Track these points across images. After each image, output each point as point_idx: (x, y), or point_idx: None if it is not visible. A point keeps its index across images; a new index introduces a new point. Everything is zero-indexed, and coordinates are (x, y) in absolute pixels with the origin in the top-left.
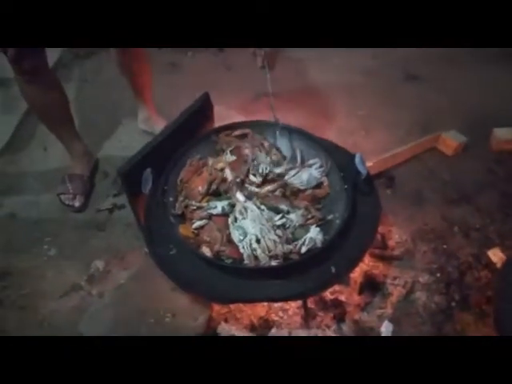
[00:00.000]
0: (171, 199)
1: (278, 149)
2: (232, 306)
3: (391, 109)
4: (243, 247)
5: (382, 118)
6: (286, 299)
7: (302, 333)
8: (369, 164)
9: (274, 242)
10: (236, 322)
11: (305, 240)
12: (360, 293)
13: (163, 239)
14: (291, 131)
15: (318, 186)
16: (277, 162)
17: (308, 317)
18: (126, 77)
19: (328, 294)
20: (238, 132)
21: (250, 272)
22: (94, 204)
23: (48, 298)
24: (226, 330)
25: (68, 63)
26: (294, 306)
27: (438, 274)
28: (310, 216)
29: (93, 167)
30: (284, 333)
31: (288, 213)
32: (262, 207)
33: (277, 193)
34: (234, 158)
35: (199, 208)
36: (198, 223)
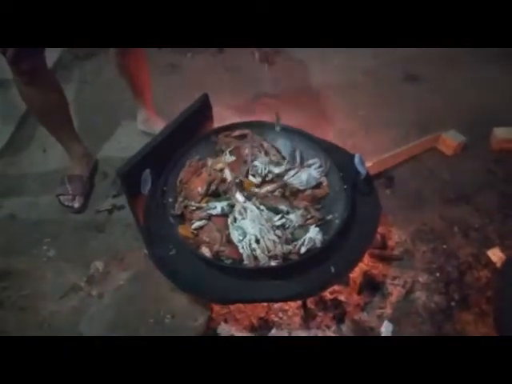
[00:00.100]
0: (170, 200)
1: (277, 149)
2: (232, 307)
3: (391, 109)
4: (243, 247)
5: (382, 118)
6: (285, 299)
7: (302, 333)
8: (368, 164)
9: (274, 242)
10: (236, 322)
11: (304, 240)
12: (359, 293)
13: (163, 240)
14: (290, 131)
15: (318, 186)
16: (276, 162)
17: (308, 317)
18: (125, 78)
19: (328, 294)
20: (237, 132)
21: (249, 272)
22: (94, 205)
23: (48, 299)
24: (226, 330)
25: (67, 64)
26: (293, 306)
27: (438, 274)
28: (309, 216)
29: (92, 168)
30: (284, 333)
31: (287, 213)
32: (262, 207)
33: (276, 193)
34: (233, 158)
35: (198, 208)
36: (197, 224)
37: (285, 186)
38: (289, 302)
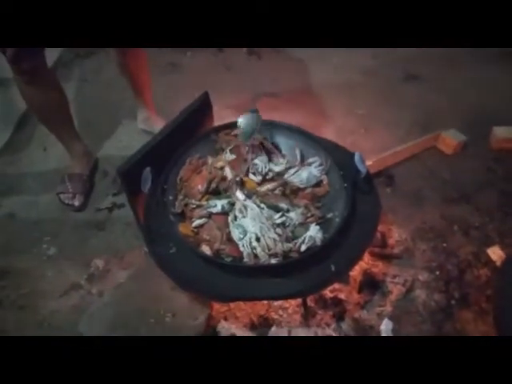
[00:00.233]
0: (171, 198)
1: (277, 147)
2: (232, 305)
3: (391, 108)
4: (243, 245)
5: (382, 117)
6: (285, 297)
7: (302, 331)
8: (368, 163)
9: (274, 240)
10: (236, 320)
11: (304, 238)
12: (360, 291)
13: (163, 238)
14: (291, 130)
15: (318, 184)
16: (276, 160)
17: (308, 315)
18: (125, 77)
19: (328, 293)
20: (237, 131)
21: (249, 270)
22: (94, 203)
23: (48, 298)
24: (226, 328)
25: (68, 63)
26: (293, 304)
27: (438, 273)
28: (309, 214)
29: (92, 167)
30: (284, 331)
31: (288, 211)
32: (262, 206)
33: (276, 191)
34: (233, 156)
35: (199, 207)
36: (197, 222)
37: (285, 184)
38: (289, 300)
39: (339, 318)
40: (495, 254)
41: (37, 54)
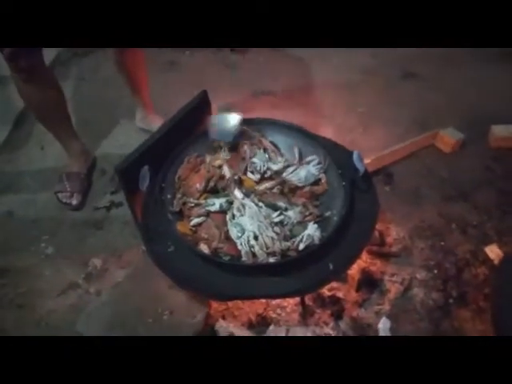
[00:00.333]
0: (169, 196)
1: (275, 146)
2: (230, 303)
3: (389, 106)
4: (241, 244)
5: (380, 116)
6: (283, 296)
7: (300, 330)
8: (367, 161)
9: (272, 238)
10: (234, 319)
11: (303, 237)
12: (358, 289)
13: (161, 237)
14: (289, 128)
15: (316, 182)
16: (275, 159)
17: (306, 314)
18: (123, 75)
19: (326, 291)
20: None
21: (247, 269)
22: (92, 202)
23: (46, 297)
24: (224, 327)
25: (66, 61)
26: (291, 302)
27: (436, 271)
28: (307, 213)
29: (90, 165)
30: (282, 330)
31: (286, 210)
32: (260, 204)
33: (275, 190)
34: (231, 155)
35: (197, 205)
36: (195, 220)
37: (283, 182)
38: (287, 299)
39: (337, 316)
40: (493, 252)
41: (34, 52)
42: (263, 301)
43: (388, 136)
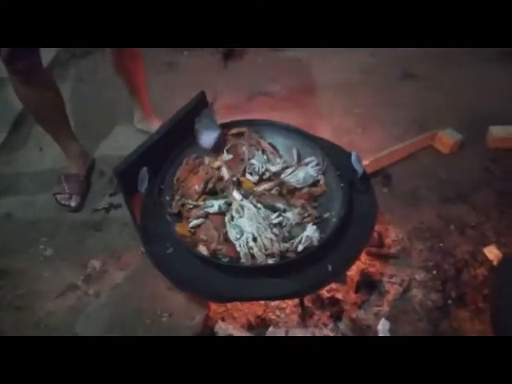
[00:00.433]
0: (168, 198)
1: (274, 147)
2: (229, 305)
3: (388, 107)
4: (240, 246)
5: (379, 117)
6: (282, 298)
7: (299, 331)
8: (365, 162)
9: (271, 240)
10: (233, 320)
11: (301, 238)
12: (357, 291)
13: (160, 238)
14: (288, 130)
15: (315, 184)
16: (273, 160)
17: (305, 315)
18: (121, 76)
19: (325, 293)
20: (234, 130)
21: (246, 270)
22: (91, 204)
23: (44, 298)
24: (223, 328)
25: (64, 62)
26: (290, 304)
27: (435, 272)
28: (306, 214)
29: (89, 167)
30: (281, 331)
31: (284, 211)
32: (259, 206)
33: (273, 191)
34: (230, 156)
35: (196, 207)
36: (194, 222)
37: (282, 184)
38: (286, 300)
39: (336, 318)
40: (492, 253)
41: (32, 53)
42: (262, 302)
43: (386, 137)
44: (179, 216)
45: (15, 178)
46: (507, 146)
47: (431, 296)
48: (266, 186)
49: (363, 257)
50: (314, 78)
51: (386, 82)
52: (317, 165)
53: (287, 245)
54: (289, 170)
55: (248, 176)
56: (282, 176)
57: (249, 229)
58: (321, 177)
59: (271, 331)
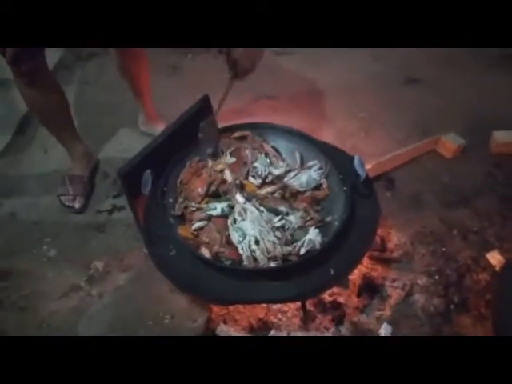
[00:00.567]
0: (171, 200)
1: (277, 151)
2: (231, 308)
3: (391, 111)
4: (242, 248)
5: (382, 121)
6: (284, 301)
7: (301, 335)
8: (368, 166)
9: (273, 243)
10: (235, 323)
11: (304, 242)
12: (359, 295)
13: (162, 240)
14: (291, 133)
15: (317, 187)
16: (276, 163)
17: (307, 319)
18: (125, 79)
19: (327, 296)
20: (237, 134)
21: (249, 273)
22: (94, 205)
23: (47, 299)
24: (225, 331)
25: (69, 65)
26: (292, 307)
27: (437, 277)
28: (309, 218)
29: (93, 168)
30: (283, 335)
31: (287, 214)
32: (262, 209)
33: (276, 194)
34: (233, 159)
35: (199, 209)
36: (197, 224)
37: (285, 187)
38: (288, 304)
39: (338, 321)
40: (494, 258)
41: (36, 55)
42: (264, 305)
43: (389, 141)
44: (182, 218)
45: (20, 180)
46: (511, 151)
47: (433, 301)
48: (268, 189)
49: (365, 261)
50: (317, 82)
51: (390, 87)
52: (320, 168)
53: (289, 248)
54: (292, 174)
55: (251, 179)
56: (285, 179)
57: (251, 232)
58: (323, 180)
59: (273, 334)
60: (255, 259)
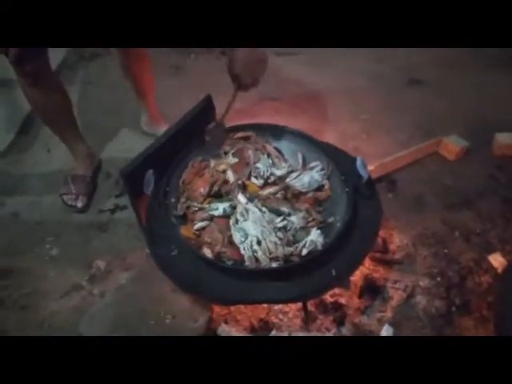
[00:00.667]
0: (173, 200)
1: (279, 151)
2: (232, 308)
3: (393, 113)
4: (244, 249)
5: (384, 122)
6: (286, 301)
7: (302, 335)
8: (370, 168)
9: (275, 243)
10: (236, 323)
11: (305, 242)
12: (360, 296)
13: (164, 240)
14: (293, 134)
15: (320, 188)
16: (278, 164)
17: (308, 319)
18: (128, 79)
19: (328, 297)
20: (240, 134)
21: (250, 274)
22: (97, 205)
23: (49, 298)
24: (226, 331)
25: (73, 65)
26: (294, 308)
27: (439, 279)
28: (310, 218)
29: (95, 168)
30: (284, 335)
31: (289, 215)
32: (264, 209)
33: (278, 195)
34: (236, 160)
35: (201, 209)
36: (199, 224)
37: (287, 188)
38: (289, 304)
39: (339, 322)
40: (496, 260)
41: (39, 55)
42: (265, 306)
43: (392, 143)
44: (184, 218)
45: (23, 179)
46: None
47: (435, 303)
48: (270, 189)
49: (367, 262)
50: (319, 84)
51: (392, 88)
52: (322, 169)
53: (291, 249)
54: (294, 175)
55: (253, 180)
56: (287, 180)
57: (253, 232)
58: (326, 181)
59: (274, 335)
60: (257, 259)
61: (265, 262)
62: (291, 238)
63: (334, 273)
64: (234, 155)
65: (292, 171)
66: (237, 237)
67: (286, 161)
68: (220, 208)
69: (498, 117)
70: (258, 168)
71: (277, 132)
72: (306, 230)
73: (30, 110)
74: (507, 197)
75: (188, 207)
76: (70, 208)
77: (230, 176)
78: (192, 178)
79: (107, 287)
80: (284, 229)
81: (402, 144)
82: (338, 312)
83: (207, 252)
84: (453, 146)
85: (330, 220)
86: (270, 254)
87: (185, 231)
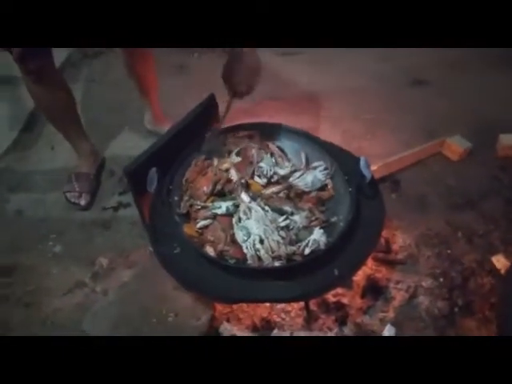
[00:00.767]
0: (176, 198)
1: (283, 151)
2: (234, 306)
3: (397, 113)
4: (247, 247)
5: (388, 122)
6: (288, 300)
7: (304, 335)
8: (373, 168)
9: (278, 242)
10: (238, 322)
11: (308, 242)
12: (362, 296)
13: (167, 238)
14: (297, 134)
15: (323, 188)
16: (282, 163)
17: (310, 319)
18: (132, 78)
19: (330, 297)
20: (243, 134)
21: (253, 272)
22: (100, 202)
23: (52, 295)
24: (228, 329)
25: (76, 63)
26: (296, 307)
27: (442, 279)
28: (313, 218)
29: (99, 166)
30: (286, 334)
31: (292, 214)
32: (267, 208)
33: (281, 194)
34: (239, 159)
35: (204, 208)
36: (202, 223)
37: (290, 187)
38: (291, 303)
39: (341, 322)
40: (499, 262)
41: (43, 53)
42: (268, 305)
43: (395, 143)
44: (187, 216)
45: (26, 176)
46: None
47: (438, 303)
48: (274, 189)
49: (370, 262)
50: (323, 83)
51: (396, 88)
52: (325, 169)
53: (294, 248)
54: (297, 174)
55: (256, 179)
56: (290, 179)
57: (256, 231)
58: (329, 181)
59: (276, 334)
60: (259, 258)
61: (267, 260)
62: (294, 237)
63: (336, 272)
64: (237, 154)
65: (295, 170)
66: (239, 235)
67: (289, 160)
68: (223, 206)
69: (502, 117)
70: (261, 167)
71: (280, 131)
72: (308, 229)
73: (33, 108)
74: (510, 198)
75: (191, 205)
76: (73, 205)
77: (234, 175)
78: (195, 177)
79: (110, 285)
80: (287, 228)
81: (406, 144)
82: (340, 312)
83: (210, 250)
84: (456, 146)
85: (333, 219)
86: (273, 252)
87: (188, 229)
